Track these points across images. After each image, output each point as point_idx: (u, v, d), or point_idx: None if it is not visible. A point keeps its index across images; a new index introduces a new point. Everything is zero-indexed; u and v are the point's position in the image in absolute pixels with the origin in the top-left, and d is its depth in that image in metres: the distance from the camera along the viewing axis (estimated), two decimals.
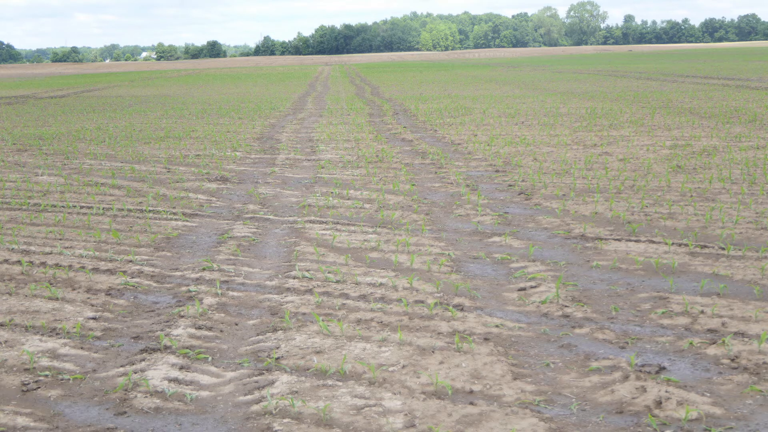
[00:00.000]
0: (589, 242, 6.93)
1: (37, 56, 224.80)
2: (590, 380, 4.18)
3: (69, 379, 4.38)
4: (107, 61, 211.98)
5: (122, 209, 8.90)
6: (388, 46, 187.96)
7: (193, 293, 5.79)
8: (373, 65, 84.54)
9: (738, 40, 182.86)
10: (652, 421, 3.68)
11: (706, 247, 6.60)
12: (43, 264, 6.64)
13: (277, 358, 4.54)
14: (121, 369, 4.48)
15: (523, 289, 5.71)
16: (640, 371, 4.22)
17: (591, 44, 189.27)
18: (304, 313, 5.28)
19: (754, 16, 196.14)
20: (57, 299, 5.70)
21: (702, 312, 5.07)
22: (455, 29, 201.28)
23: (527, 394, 4.03)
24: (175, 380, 4.30)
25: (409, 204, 8.82)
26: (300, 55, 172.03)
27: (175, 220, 8.38)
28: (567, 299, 5.41)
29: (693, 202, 8.38)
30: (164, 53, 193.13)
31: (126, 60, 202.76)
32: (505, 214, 8.17)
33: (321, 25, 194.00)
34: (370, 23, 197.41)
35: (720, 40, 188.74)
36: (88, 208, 9.05)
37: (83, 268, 6.48)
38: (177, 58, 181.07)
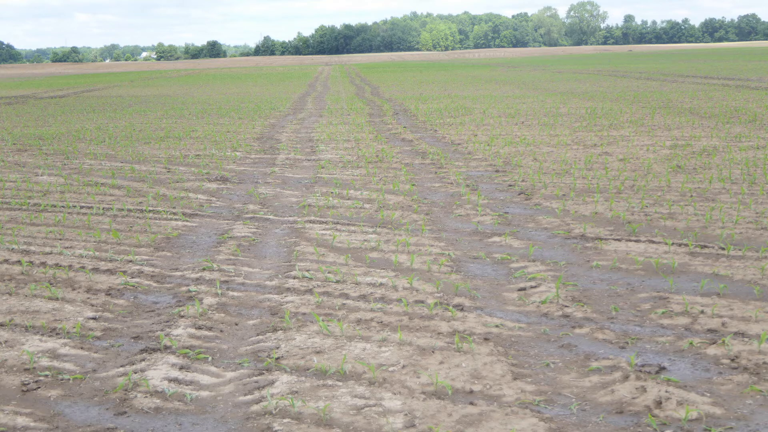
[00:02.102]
0: (589, 242, 6.93)
1: (37, 56, 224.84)
2: (590, 380, 4.18)
3: (69, 379, 4.38)
4: (107, 61, 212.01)
5: (122, 209, 8.90)
6: (388, 46, 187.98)
7: (193, 293, 5.79)
8: (373, 65, 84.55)
9: (738, 40, 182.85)
10: (652, 421, 3.68)
11: (706, 247, 6.60)
12: (43, 264, 6.64)
13: (277, 358, 4.54)
14: (121, 369, 4.48)
15: (523, 289, 5.71)
16: (640, 371, 4.22)
17: (591, 44, 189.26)
18: (304, 313, 5.28)
19: (754, 16, 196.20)
20: (57, 299, 5.70)
21: (702, 312, 5.07)
22: (455, 29, 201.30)
23: (527, 394, 4.03)
24: (175, 380, 4.31)
25: (409, 204, 8.82)
26: (300, 55, 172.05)
27: (175, 220, 8.38)
28: (567, 299, 5.41)
29: (693, 202, 8.38)
30: (164, 53, 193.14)
31: (126, 60, 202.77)
32: (505, 214, 8.17)
33: (321, 25, 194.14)
34: (370, 23, 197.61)
35: (720, 40, 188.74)
36: (88, 208, 9.05)
37: (83, 268, 6.48)
38: (177, 58, 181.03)
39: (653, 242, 6.81)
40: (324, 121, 19.29)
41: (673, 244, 6.72)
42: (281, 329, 4.99)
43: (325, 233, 7.49)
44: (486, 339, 4.75)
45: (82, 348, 4.81)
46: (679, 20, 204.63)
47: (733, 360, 4.34)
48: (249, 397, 4.10)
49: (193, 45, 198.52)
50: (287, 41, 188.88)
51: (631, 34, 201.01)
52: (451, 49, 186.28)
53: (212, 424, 3.85)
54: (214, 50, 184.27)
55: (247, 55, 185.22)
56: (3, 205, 9.40)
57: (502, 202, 8.83)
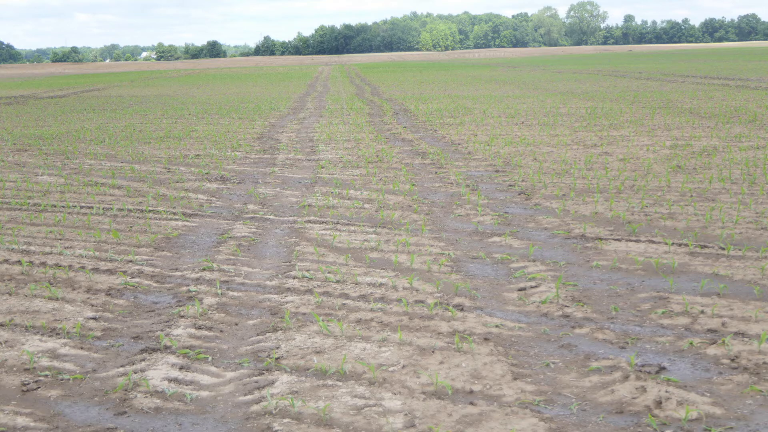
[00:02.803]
0: (589, 242, 6.93)
1: (37, 56, 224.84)
2: (590, 380, 4.18)
3: (69, 379, 4.38)
4: (107, 61, 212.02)
5: (122, 209, 8.90)
6: (388, 46, 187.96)
7: (193, 293, 5.79)
8: (373, 65, 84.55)
9: (738, 40, 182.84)
10: (652, 421, 3.68)
11: (706, 247, 6.60)
12: (43, 264, 6.64)
13: (277, 358, 4.54)
14: (121, 369, 4.48)
15: (523, 289, 5.71)
16: (640, 371, 4.22)
17: (591, 44, 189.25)
18: (304, 313, 5.28)
19: (754, 16, 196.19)
20: (57, 299, 5.70)
21: (702, 312, 5.08)
22: (455, 29, 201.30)
23: (527, 394, 4.03)
24: (175, 380, 4.31)
25: (409, 204, 8.82)
26: (300, 55, 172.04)
27: (175, 220, 8.38)
28: (567, 299, 5.41)
29: (693, 202, 8.38)
30: (164, 53, 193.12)
31: (126, 60, 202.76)
32: (505, 214, 8.17)
33: (321, 25, 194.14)
34: (370, 23, 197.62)
35: (720, 40, 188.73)
36: (88, 208, 9.05)
37: (83, 268, 6.48)
38: (177, 58, 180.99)
39: (653, 242, 6.81)
40: (324, 121, 19.29)
41: (673, 244, 6.72)
42: (281, 329, 4.99)
43: (325, 233, 7.49)
44: (486, 339, 4.75)
45: (82, 348, 4.81)
46: (679, 20, 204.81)
47: (733, 360, 4.35)
48: (249, 397, 4.10)
49: (193, 45, 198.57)
50: (287, 41, 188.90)
51: (631, 34, 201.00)
52: (451, 49, 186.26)
53: (212, 424, 3.85)
54: (214, 50, 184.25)
55: (247, 55, 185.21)
56: (3, 205, 9.40)
57: (502, 202, 8.83)
